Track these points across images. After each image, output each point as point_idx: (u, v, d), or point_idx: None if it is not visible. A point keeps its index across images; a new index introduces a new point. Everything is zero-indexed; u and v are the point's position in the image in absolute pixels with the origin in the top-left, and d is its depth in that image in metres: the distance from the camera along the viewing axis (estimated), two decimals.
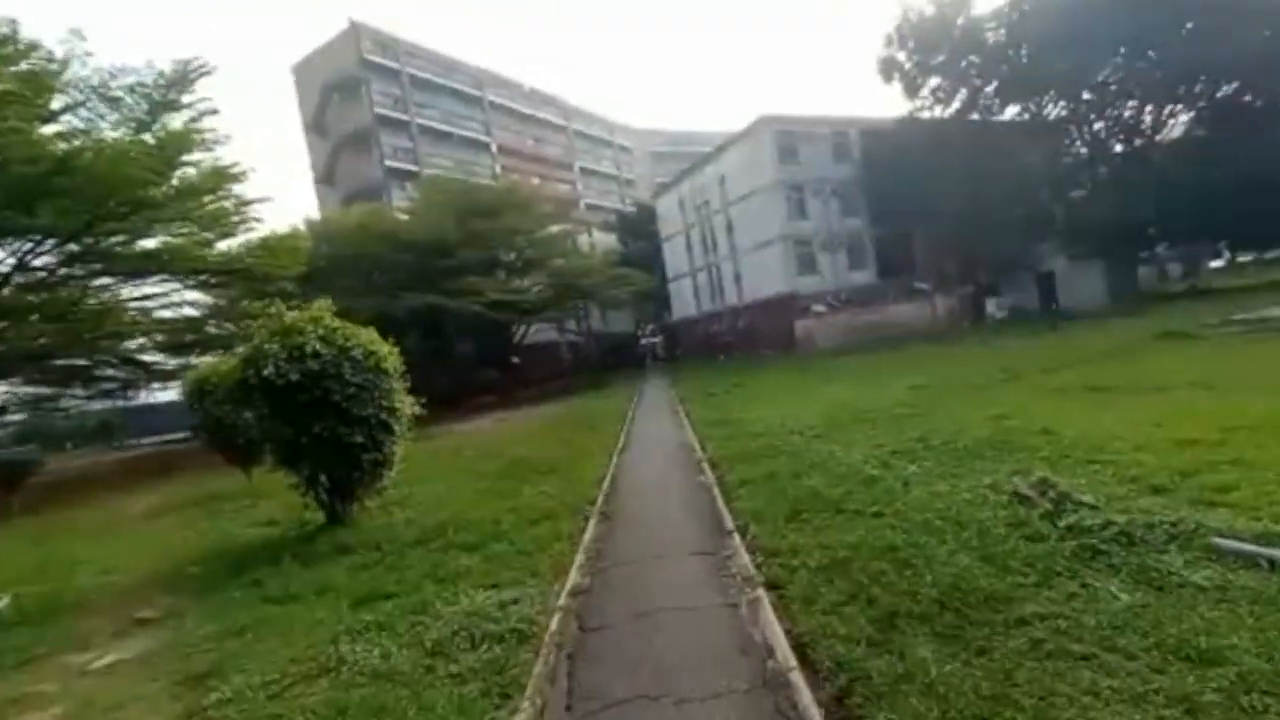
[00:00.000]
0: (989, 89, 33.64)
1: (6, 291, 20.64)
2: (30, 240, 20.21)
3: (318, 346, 8.01)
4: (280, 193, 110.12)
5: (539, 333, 41.12)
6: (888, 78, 34.61)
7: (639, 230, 54.54)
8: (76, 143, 17.97)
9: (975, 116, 34.42)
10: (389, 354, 8.94)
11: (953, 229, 33.37)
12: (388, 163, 45.14)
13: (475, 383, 37.06)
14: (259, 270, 26.83)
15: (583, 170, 69.35)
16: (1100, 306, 30.84)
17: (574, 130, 67.48)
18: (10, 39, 17.71)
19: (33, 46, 18.11)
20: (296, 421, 8.04)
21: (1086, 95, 32.50)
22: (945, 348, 24.95)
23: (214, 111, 21.36)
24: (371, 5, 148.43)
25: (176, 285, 26.66)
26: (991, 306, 37.15)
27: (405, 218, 36.72)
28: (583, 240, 49.46)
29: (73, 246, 21.29)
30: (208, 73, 21.17)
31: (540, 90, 62.61)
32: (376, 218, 40.16)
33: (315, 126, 50.44)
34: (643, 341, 59.33)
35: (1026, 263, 35.80)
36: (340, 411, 8.09)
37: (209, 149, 22.15)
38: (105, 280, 23.97)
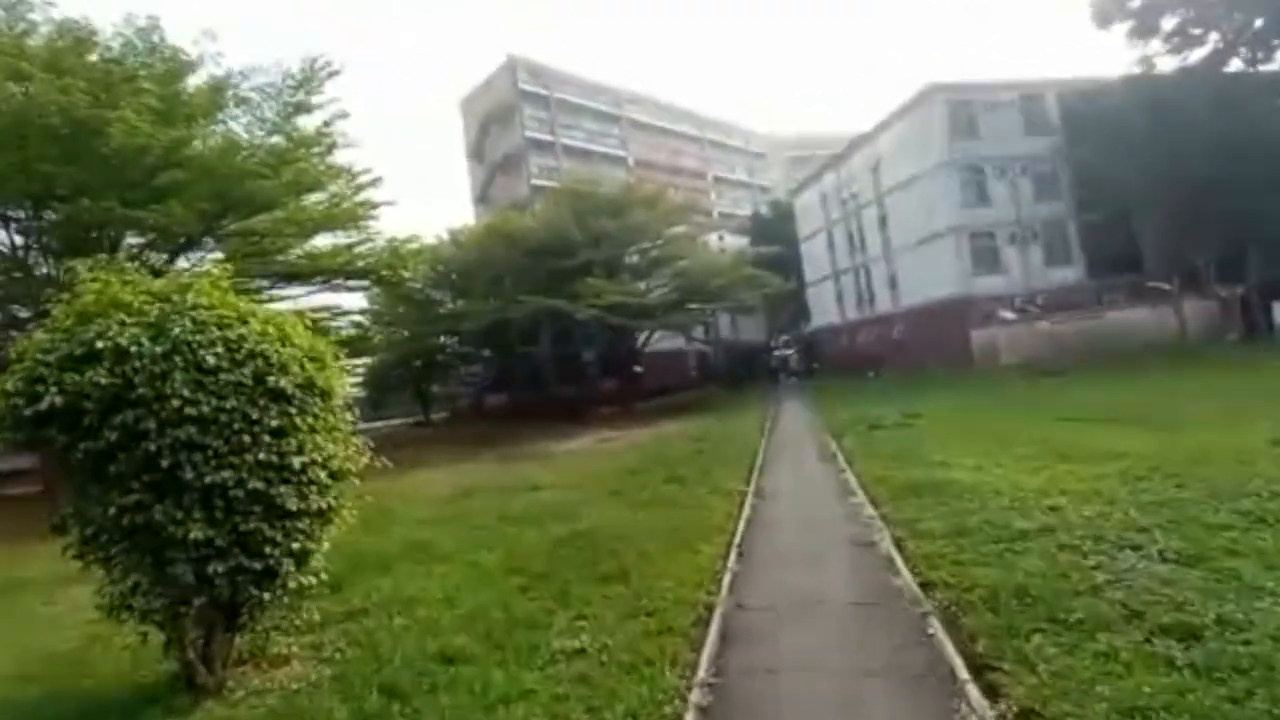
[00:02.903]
0: (1258, 23, 24.30)
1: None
2: (154, 234, 19.22)
3: (121, 340, 3.81)
4: (445, 217, 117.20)
5: (663, 340, 36.63)
6: (1104, 22, 26.27)
7: (774, 232, 48.52)
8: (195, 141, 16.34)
9: (1236, 64, 25.14)
10: (319, 359, 4.65)
11: (1200, 212, 24.36)
12: (534, 181, 45.95)
13: (597, 392, 33.43)
14: (385, 273, 26.14)
15: (716, 179, 65.74)
16: None
17: (708, 140, 65.15)
18: (155, 45, 16.72)
19: (176, 51, 17.28)
20: (88, 489, 3.90)
21: None
22: (1226, 369, 17.00)
23: (345, 115, 20.40)
24: (529, 33, 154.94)
25: (314, 288, 26.22)
26: None
27: (531, 222, 34.14)
28: (712, 242, 44.52)
29: (211, 244, 20.94)
30: (336, 73, 20.31)
31: (676, 104, 61.72)
32: (502, 221, 38.26)
33: (475, 153, 53.29)
34: (775, 352, 52.86)
35: None
36: (162, 471, 3.82)
37: (328, 151, 20.86)
38: (261, 283, 23.53)
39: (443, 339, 37.46)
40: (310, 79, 19.52)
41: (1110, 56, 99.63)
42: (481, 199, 52.28)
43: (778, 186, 66.68)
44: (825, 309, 41.70)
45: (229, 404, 4.01)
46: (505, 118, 48.74)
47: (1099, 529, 5.69)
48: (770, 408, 22.85)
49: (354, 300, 34.99)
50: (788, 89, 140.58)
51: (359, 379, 38.89)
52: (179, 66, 17.47)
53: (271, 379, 4.19)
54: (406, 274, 29.68)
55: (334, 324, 28.45)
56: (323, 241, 24.21)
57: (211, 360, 3.98)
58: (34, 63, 14.37)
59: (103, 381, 3.69)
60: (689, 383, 41.66)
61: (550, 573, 6.02)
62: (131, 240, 19.32)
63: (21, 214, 16.55)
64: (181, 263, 21.97)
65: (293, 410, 4.33)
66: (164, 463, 3.80)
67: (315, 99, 19.92)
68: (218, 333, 4.15)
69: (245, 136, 19.08)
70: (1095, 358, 22.92)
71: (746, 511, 7.88)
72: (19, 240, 17.49)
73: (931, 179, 29.50)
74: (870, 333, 36.00)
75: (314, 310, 26.91)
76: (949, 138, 28.66)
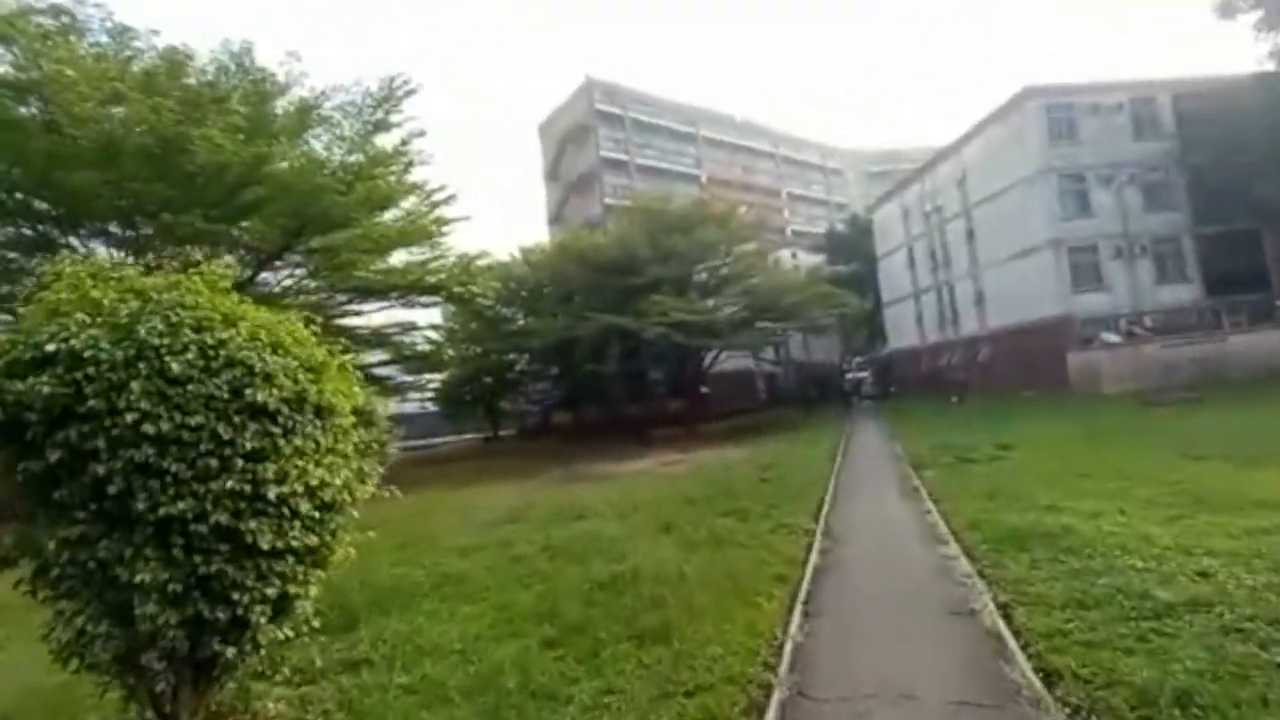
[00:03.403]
0: None
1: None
2: (246, 251, 20.08)
3: (76, 343, 3.29)
4: (523, 238, 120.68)
5: (731, 360, 35.35)
6: (1228, 12, 23.42)
7: (851, 250, 46.48)
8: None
9: None
10: (318, 370, 4.06)
11: None
12: (607, 200, 46.18)
13: (663, 412, 32.56)
14: (456, 290, 26.45)
15: (790, 196, 64.16)
16: None
17: (782, 156, 64.35)
18: (247, 67, 17.49)
19: (266, 74, 17.86)
20: (37, 516, 3.38)
21: None
22: None
23: (421, 133, 20.62)
24: (608, 54, 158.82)
25: (388, 304, 26.97)
26: None
27: (601, 239, 34.02)
28: (784, 259, 42.91)
29: (297, 260, 21.92)
30: (413, 91, 20.50)
31: (750, 121, 61.26)
32: (572, 239, 38.41)
33: (551, 175, 54.42)
34: (849, 375, 50.28)
35: None
36: (111, 500, 3.25)
37: (406, 169, 21.31)
38: (341, 298, 24.41)
39: (512, 356, 37.74)
40: (389, 97, 19.89)
41: (1233, 52, 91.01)
42: (556, 219, 53.16)
43: (855, 203, 64.24)
44: (904, 329, 39.24)
45: (195, 420, 3.41)
46: (580, 138, 49.47)
47: (1274, 608, 4.30)
48: (843, 433, 21.21)
49: (430, 316, 36.04)
50: (867, 104, 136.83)
51: (431, 394, 39.78)
52: (271, 89, 18.18)
53: (250, 392, 3.58)
54: (476, 290, 30.17)
55: (407, 339, 29.14)
56: (398, 258, 24.77)
57: (178, 368, 3.39)
58: (131, 85, 15.14)
59: (47, 390, 3.16)
60: (758, 404, 40.10)
61: (584, 624, 5.15)
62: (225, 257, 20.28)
63: (115, 229, 17.42)
64: (265, 276, 23.02)
65: (276, 430, 3.69)
66: (113, 489, 3.22)
67: (393, 117, 20.40)
68: (193, 336, 3.58)
69: (325, 155, 19.69)
70: (1215, 386, 19.96)
71: (815, 556, 6.74)
72: (115, 254, 18.47)
73: (1026, 189, 27.10)
74: (953, 355, 33.41)
75: (389, 326, 27.90)
76: (1046, 144, 26.24)
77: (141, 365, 3.35)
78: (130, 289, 3.80)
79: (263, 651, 3.79)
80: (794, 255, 46.41)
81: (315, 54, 37.05)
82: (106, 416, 3.23)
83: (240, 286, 20.51)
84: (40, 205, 16.10)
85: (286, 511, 3.67)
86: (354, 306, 26.00)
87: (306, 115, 19.11)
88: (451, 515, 11.43)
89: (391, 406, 50.03)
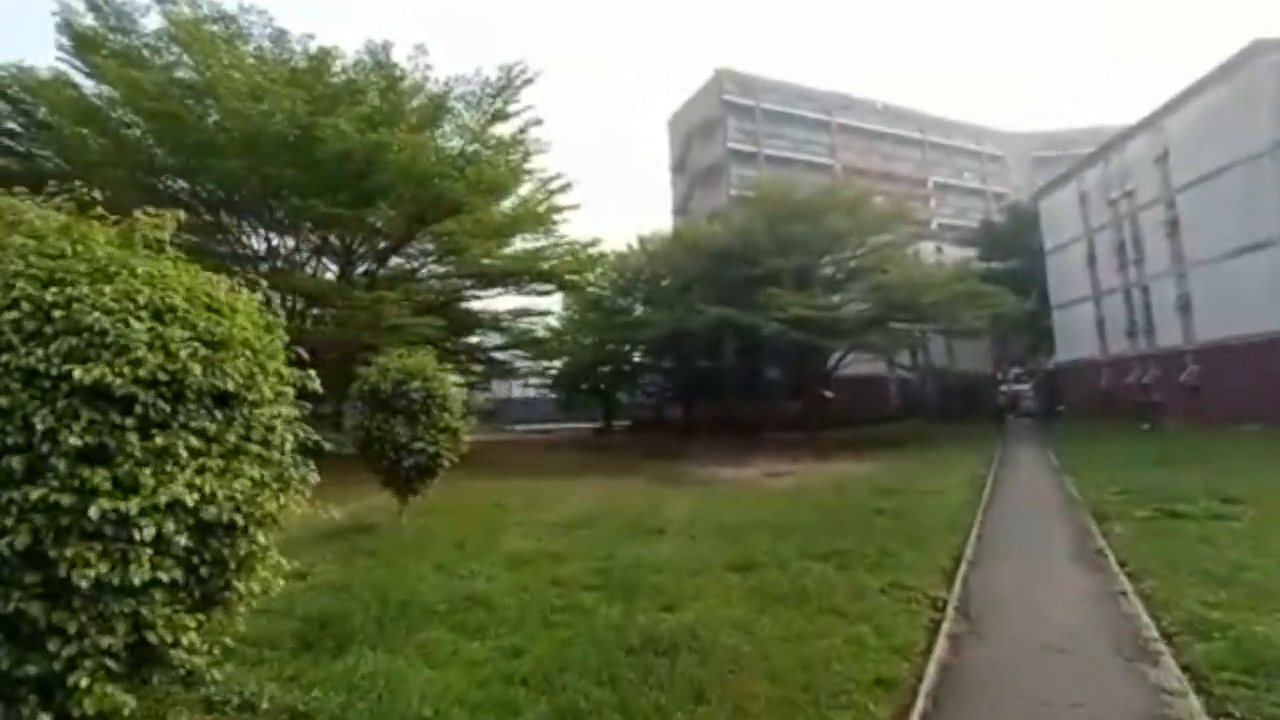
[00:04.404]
0: None
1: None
2: (372, 234, 20.87)
3: None
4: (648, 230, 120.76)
5: (857, 362, 31.98)
6: None
7: (1010, 244, 40.53)
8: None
9: None
10: (222, 344, 2.99)
11: None
12: (732, 192, 44.43)
13: (780, 415, 30.25)
14: (568, 277, 26.16)
15: (938, 185, 57.69)
16: None
17: (930, 142, 58.17)
18: (383, 63, 18.09)
19: (398, 68, 18.46)
20: None
21: None
22: None
23: (538, 121, 20.61)
24: (745, 44, 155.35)
25: (504, 290, 27.24)
26: None
27: (719, 229, 32.19)
28: (927, 253, 38.20)
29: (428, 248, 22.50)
30: (530, 80, 20.42)
31: (894, 105, 56.38)
32: (688, 228, 36.94)
33: (678, 168, 53.50)
34: (1003, 387, 44.00)
35: None
36: None
37: (525, 158, 21.14)
38: (464, 283, 25.31)
39: (627, 347, 37.09)
40: (507, 86, 19.78)
41: None
42: (681, 211, 52.12)
43: (1016, 194, 56.45)
44: (1078, 338, 33.37)
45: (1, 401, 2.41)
46: (708, 131, 48.12)
47: None
48: (993, 458, 17.79)
49: (551, 305, 36.28)
50: (1032, 85, 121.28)
51: (549, 381, 40.21)
52: (405, 85, 18.61)
53: (82, 370, 2.53)
54: (590, 278, 29.67)
55: (522, 324, 29.19)
56: (517, 247, 24.74)
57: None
58: (276, 81, 15.98)
59: None
60: (888, 414, 36.16)
61: (589, 713, 3.71)
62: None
63: (254, 213, 18.46)
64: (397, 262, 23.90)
65: (128, 422, 2.63)
66: None
67: (511, 107, 20.19)
68: (29, 290, 2.60)
69: (446, 144, 19.88)
70: None
71: (941, 649, 4.75)
72: (273, 240, 19.82)
73: (1254, 167, 21.51)
74: (1145, 372, 27.71)
75: (506, 313, 28.12)
76: None
77: None
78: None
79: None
80: (938, 249, 41.33)
81: (442, 45, 38.51)
82: None
83: (371, 271, 21.48)
84: (196, 188, 17.44)
85: (138, 536, 2.58)
86: (474, 292, 26.44)
87: (440, 108, 19.40)
88: (529, 511, 10.57)
89: (515, 390, 52.06)
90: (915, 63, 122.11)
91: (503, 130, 20.49)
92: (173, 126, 15.59)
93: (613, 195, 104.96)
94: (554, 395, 42.54)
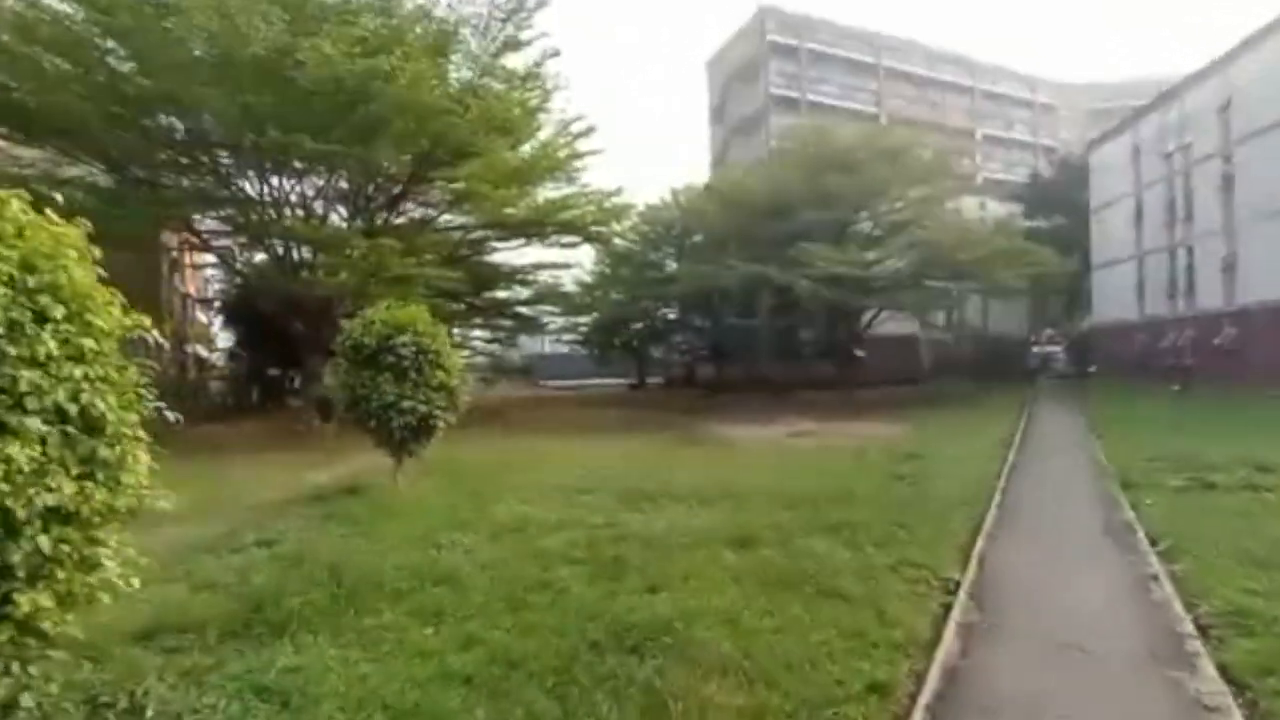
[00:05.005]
0: None
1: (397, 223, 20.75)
2: (373, 180, 19.78)
3: None
4: (685, 181, 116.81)
5: (891, 321, 30.69)
6: None
7: (1057, 200, 38.28)
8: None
9: None
10: None
11: None
12: (772, 143, 41.90)
13: (810, 375, 29.62)
14: (593, 229, 24.66)
15: (986, 138, 54.07)
16: None
17: (981, 91, 54.15)
18: None
19: None
20: None
21: None
22: None
23: (556, 53, 18.54)
24: None
25: (525, 242, 25.84)
26: None
27: (753, 181, 30.59)
28: (970, 208, 35.92)
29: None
30: (545, 3, 17.96)
31: (943, 50, 52.45)
32: (721, 180, 35.40)
33: (716, 116, 50.62)
34: (1035, 349, 42.05)
35: None
36: None
37: (546, 97, 19.64)
38: (480, 234, 23.46)
39: (658, 304, 36.20)
40: (518, 9, 17.46)
41: None
42: (719, 162, 49.67)
43: (1070, 146, 52.68)
44: (1116, 299, 31.84)
45: None
46: (749, 75, 44.95)
47: None
48: (1021, 421, 17.06)
49: (580, 258, 34.94)
50: (1094, 35, 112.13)
51: (580, 337, 39.54)
52: (412, 10, 16.93)
53: None
54: (617, 229, 28.40)
55: (544, 277, 27.96)
56: (539, 197, 23.33)
57: None
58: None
59: None
60: (920, 375, 35.13)
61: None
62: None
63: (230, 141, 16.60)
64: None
65: None
66: None
67: (524, 34, 17.89)
68: None
69: (454, 78, 17.82)
70: None
71: (948, 644, 4.15)
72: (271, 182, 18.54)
73: None
74: (1180, 334, 26.44)
75: (528, 266, 26.96)
76: None
77: None
78: None
79: None
80: (982, 205, 38.98)
81: None
82: None
83: (380, 219, 19.88)
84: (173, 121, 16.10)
85: None
86: (496, 244, 25.31)
87: (446, 36, 17.35)
88: (535, 472, 10.15)
89: (549, 346, 51.23)
90: (968, 6, 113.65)
91: (516, 62, 18.33)
92: (139, 44, 13.82)
93: (650, 147, 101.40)
94: (587, 352, 41.94)
